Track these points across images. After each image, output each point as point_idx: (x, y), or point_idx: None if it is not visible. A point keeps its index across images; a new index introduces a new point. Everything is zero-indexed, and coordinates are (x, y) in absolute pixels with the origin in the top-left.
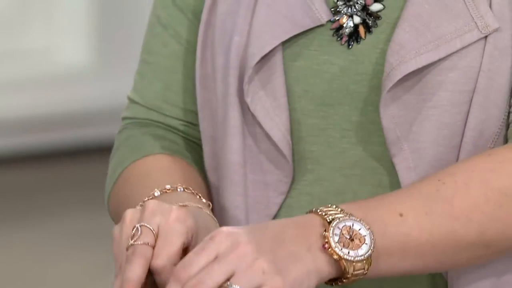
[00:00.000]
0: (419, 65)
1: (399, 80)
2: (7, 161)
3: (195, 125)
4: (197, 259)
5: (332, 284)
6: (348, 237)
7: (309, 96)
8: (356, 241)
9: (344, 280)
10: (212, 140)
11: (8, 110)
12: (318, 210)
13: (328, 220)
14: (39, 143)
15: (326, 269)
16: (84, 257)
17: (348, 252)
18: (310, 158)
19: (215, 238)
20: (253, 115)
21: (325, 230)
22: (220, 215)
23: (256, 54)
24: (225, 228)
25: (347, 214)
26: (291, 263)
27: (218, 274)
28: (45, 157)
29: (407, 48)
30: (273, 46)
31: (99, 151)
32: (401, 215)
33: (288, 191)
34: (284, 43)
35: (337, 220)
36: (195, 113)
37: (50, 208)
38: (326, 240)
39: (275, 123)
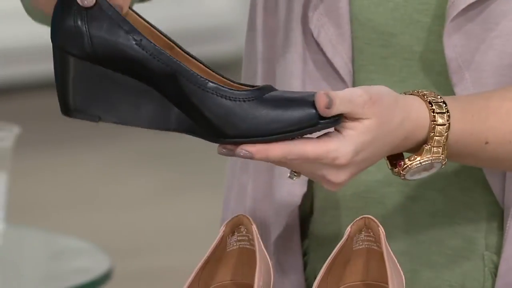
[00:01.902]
0: None
1: (463, 9)
2: None
3: None
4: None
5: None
6: (422, 169)
7: (372, 25)
8: (424, 170)
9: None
10: (267, 62)
11: None
12: (433, 122)
13: (424, 153)
14: None
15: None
16: (151, 177)
17: (411, 175)
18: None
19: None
20: (316, 42)
21: (410, 159)
22: None
23: None
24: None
25: (443, 151)
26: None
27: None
28: None
29: None
30: None
31: None
32: (486, 142)
33: None
34: None
35: (429, 161)
36: None
37: (119, 128)
38: (405, 166)
39: (338, 51)
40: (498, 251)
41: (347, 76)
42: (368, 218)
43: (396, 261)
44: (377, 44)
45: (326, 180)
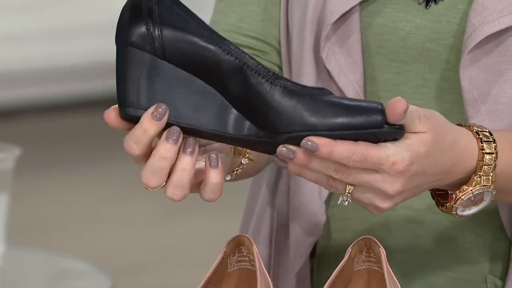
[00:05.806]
0: (502, 27)
1: (479, 42)
2: (77, 106)
3: (265, 53)
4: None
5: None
6: (473, 199)
7: (383, 53)
8: (474, 204)
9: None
10: None
11: (76, 56)
12: (481, 151)
13: (474, 184)
14: (105, 88)
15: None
16: (152, 199)
17: (461, 210)
18: None
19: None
20: (327, 71)
21: (460, 190)
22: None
23: (336, 11)
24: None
25: (492, 181)
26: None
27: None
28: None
29: (490, 10)
30: (354, 3)
31: None
32: None
33: None
34: (361, 1)
35: (479, 190)
36: (266, 43)
37: (120, 150)
38: (456, 198)
39: (349, 80)
40: (502, 275)
41: None
42: (369, 238)
43: (397, 282)
44: (389, 71)
45: (380, 192)
